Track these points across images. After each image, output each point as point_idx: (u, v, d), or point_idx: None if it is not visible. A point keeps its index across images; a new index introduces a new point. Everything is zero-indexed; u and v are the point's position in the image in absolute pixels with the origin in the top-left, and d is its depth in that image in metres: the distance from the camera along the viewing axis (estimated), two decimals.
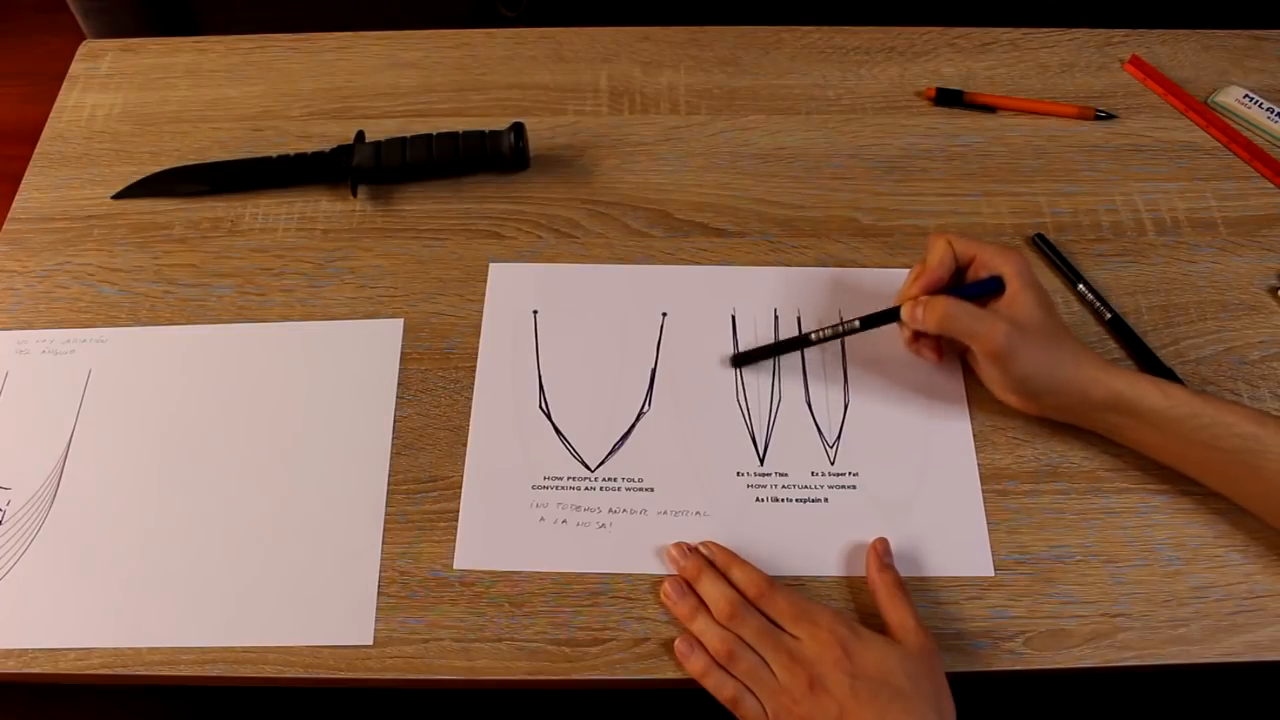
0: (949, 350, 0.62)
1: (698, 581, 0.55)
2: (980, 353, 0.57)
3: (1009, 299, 0.57)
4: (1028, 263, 0.58)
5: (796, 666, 0.51)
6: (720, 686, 0.52)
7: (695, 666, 0.53)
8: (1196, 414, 0.54)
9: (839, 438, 0.61)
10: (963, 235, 0.60)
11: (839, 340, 0.64)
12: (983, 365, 0.58)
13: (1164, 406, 0.54)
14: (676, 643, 0.54)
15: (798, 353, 0.64)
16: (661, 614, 0.55)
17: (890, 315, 0.60)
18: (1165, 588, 0.56)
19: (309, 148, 0.73)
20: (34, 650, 0.54)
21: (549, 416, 0.62)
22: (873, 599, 0.55)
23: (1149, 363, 0.63)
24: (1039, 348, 0.56)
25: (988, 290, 0.58)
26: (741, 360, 0.63)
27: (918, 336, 0.61)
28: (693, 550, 0.56)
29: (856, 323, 0.61)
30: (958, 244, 0.59)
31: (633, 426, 0.61)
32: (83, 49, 0.81)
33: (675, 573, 0.56)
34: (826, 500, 0.59)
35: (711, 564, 0.56)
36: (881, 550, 0.56)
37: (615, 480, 0.59)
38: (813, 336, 0.62)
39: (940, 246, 0.59)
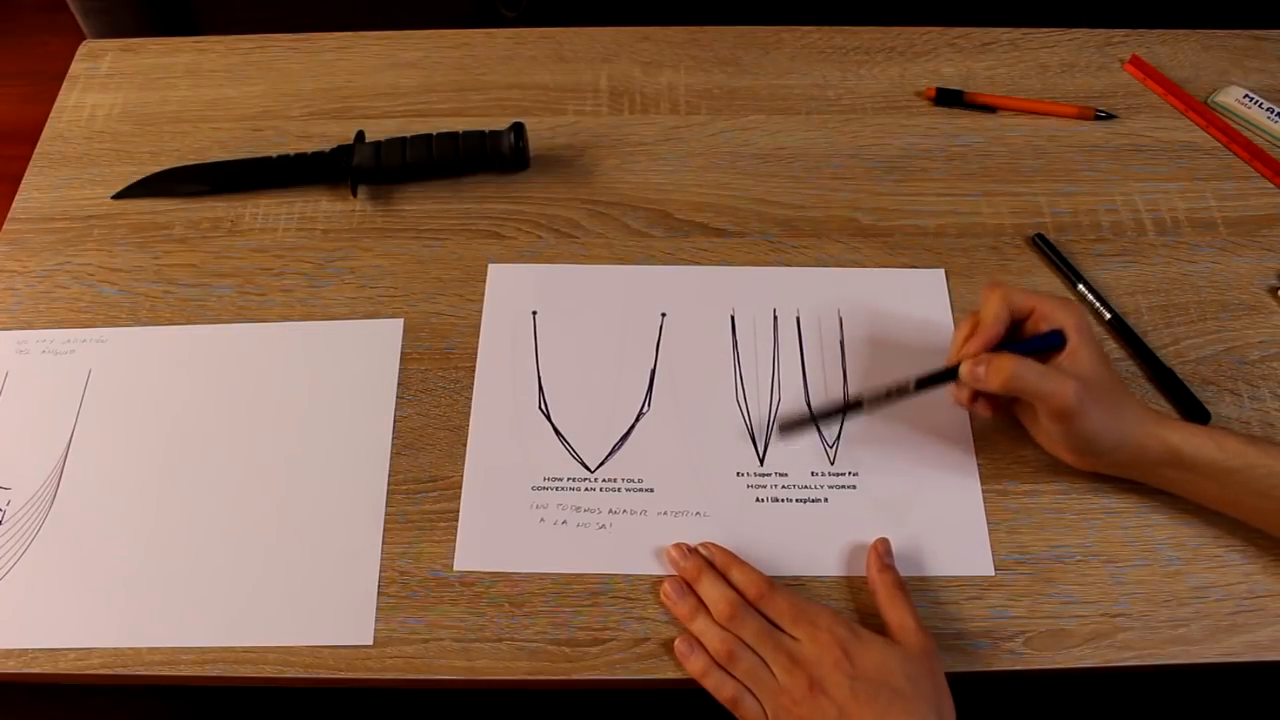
0: (1002, 406, 0.59)
1: (697, 582, 0.55)
2: (1047, 412, 0.54)
3: (1071, 354, 0.54)
4: (1087, 315, 0.56)
5: (796, 668, 0.51)
6: (720, 687, 0.52)
7: (695, 666, 0.53)
8: (1252, 465, 0.53)
9: (839, 438, 0.61)
10: (1018, 287, 0.57)
11: (839, 341, 0.64)
12: (1044, 424, 0.55)
13: (1219, 459, 0.53)
14: (677, 643, 0.54)
15: (797, 353, 0.64)
16: (661, 614, 0.55)
17: (948, 375, 0.57)
18: (1165, 588, 0.56)
19: (309, 148, 0.73)
20: (34, 650, 0.54)
21: (549, 417, 0.62)
22: (873, 599, 0.55)
23: (1149, 363, 0.63)
24: (1105, 405, 0.54)
25: (1049, 346, 0.55)
26: (788, 428, 0.61)
27: (975, 395, 0.57)
28: (692, 551, 0.56)
29: (911, 384, 0.57)
30: (1014, 297, 0.56)
31: (632, 427, 0.61)
32: (83, 49, 0.81)
33: (675, 573, 0.56)
34: (826, 500, 0.59)
35: (711, 565, 0.56)
36: (882, 551, 0.56)
37: (615, 481, 0.59)
38: (864, 403, 0.59)
39: (995, 300, 0.56)
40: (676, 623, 0.55)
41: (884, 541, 0.56)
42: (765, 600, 0.54)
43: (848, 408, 0.61)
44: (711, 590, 0.54)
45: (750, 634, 0.53)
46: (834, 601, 0.56)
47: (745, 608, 0.53)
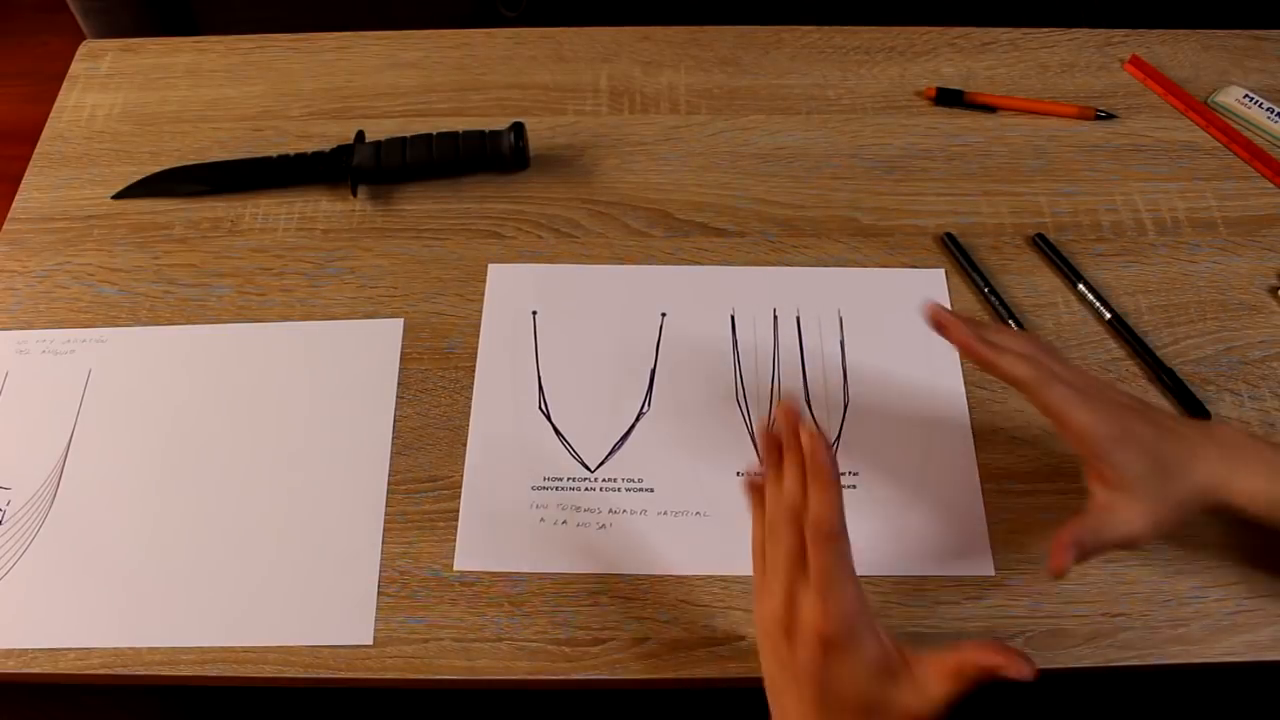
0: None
1: (787, 459, 0.50)
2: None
3: (1109, 476, 0.50)
4: (1108, 446, 0.50)
5: (784, 612, 0.47)
6: (753, 528, 0.50)
7: (754, 498, 0.51)
8: None
9: (839, 437, 0.61)
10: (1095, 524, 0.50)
11: (839, 341, 0.64)
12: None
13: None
14: (751, 476, 0.52)
15: (798, 353, 0.64)
16: (661, 613, 0.55)
17: None
18: (1165, 588, 0.56)
19: (309, 148, 0.73)
20: (34, 650, 0.55)
21: (549, 417, 0.62)
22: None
23: (1149, 362, 0.63)
24: (1161, 508, 0.49)
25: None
26: None
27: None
28: (802, 434, 0.50)
29: None
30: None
31: (632, 427, 0.61)
32: (83, 49, 0.81)
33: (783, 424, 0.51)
34: None
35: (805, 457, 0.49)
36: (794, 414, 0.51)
37: (615, 481, 0.59)
38: None
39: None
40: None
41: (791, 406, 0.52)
42: (815, 543, 0.47)
43: None
44: (790, 478, 0.49)
45: (781, 550, 0.48)
46: None
47: (793, 523, 0.48)
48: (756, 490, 0.51)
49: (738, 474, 0.60)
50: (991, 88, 0.77)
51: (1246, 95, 0.75)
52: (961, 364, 0.63)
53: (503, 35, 0.81)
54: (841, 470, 0.60)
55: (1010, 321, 0.65)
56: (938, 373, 0.63)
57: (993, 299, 0.66)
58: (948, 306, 0.65)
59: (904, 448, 0.60)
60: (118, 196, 0.72)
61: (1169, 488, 0.50)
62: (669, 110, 0.76)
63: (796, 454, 0.50)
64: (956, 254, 0.68)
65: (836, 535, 0.47)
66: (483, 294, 0.67)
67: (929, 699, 0.45)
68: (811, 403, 0.62)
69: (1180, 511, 0.50)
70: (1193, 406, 0.61)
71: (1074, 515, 0.50)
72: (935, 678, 0.45)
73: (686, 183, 0.72)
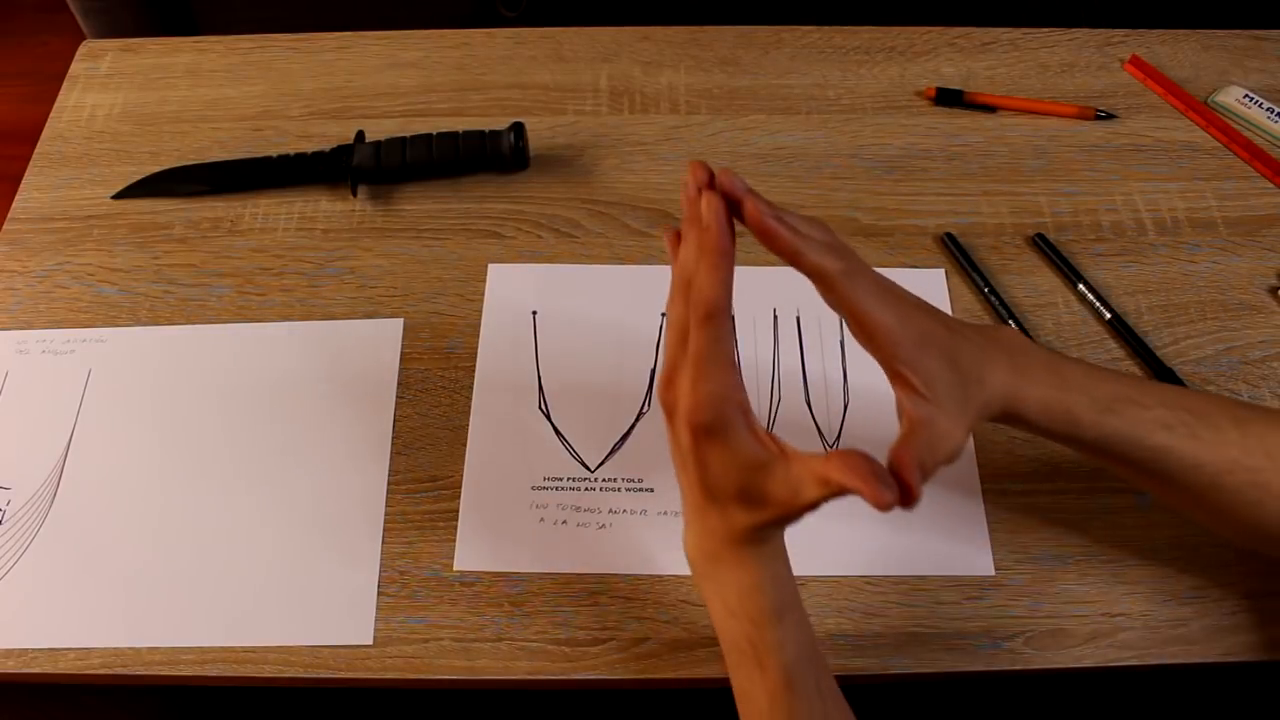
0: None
1: (684, 229, 0.46)
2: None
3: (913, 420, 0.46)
4: (910, 350, 0.47)
5: (666, 390, 0.44)
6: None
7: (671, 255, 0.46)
8: (1105, 436, 0.47)
9: (839, 437, 0.61)
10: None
11: (839, 341, 0.64)
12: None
13: (1069, 433, 0.48)
14: (670, 229, 0.48)
15: (797, 353, 0.64)
16: (661, 613, 0.55)
17: None
18: (1165, 588, 0.56)
19: (309, 148, 0.73)
20: (34, 650, 0.54)
21: (549, 417, 0.62)
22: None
23: (1149, 362, 0.63)
24: (969, 414, 0.46)
25: None
26: None
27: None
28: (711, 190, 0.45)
29: None
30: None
31: (632, 427, 0.61)
32: (83, 49, 0.81)
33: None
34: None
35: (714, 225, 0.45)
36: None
37: (615, 480, 0.59)
38: None
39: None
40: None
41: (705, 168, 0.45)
42: (694, 322, 0.43)
43: None
44: (687, 245, 0.45)
45: (670, 323, 0.44)
46: (834, 602, 0.56)
47: (682, 295, 0.45)
48: (674, 246, 0.46)
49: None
50: (991, 88, 0.77)
51: (1246, 95, 0.75)
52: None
53: (503, 35, 0.81)
54: None
55: (1010, 322, 0.65)
56: None
57: (993, 299, 0.66)
58: (947, 306, 0.66)
59: None
60: (118, 196, 0.72)
61: (970, 394, 0.46)
62: (669, 110, 0.76)
63: (697, 221, 0.44)
64: (956, 254, 0.68)
65: (714, 315, 0.43)
66: (483, 294, 0.67)
67: (800, 498, 0.44)
68: (811, 403, 0.62)
69: (980, 420, 0.47)
70: None
71: (897, 438, 0.46)
72: (807, 479, 0.43)
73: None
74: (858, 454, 0.43)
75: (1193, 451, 0.47)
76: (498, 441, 0.61)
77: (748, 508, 0.44)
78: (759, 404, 0.62)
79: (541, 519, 0.58)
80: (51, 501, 0.59)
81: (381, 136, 0.72)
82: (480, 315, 0.66)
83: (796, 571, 0.56)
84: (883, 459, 0.60)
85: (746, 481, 0.44)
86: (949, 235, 0.68)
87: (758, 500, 0.44)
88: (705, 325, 0.43)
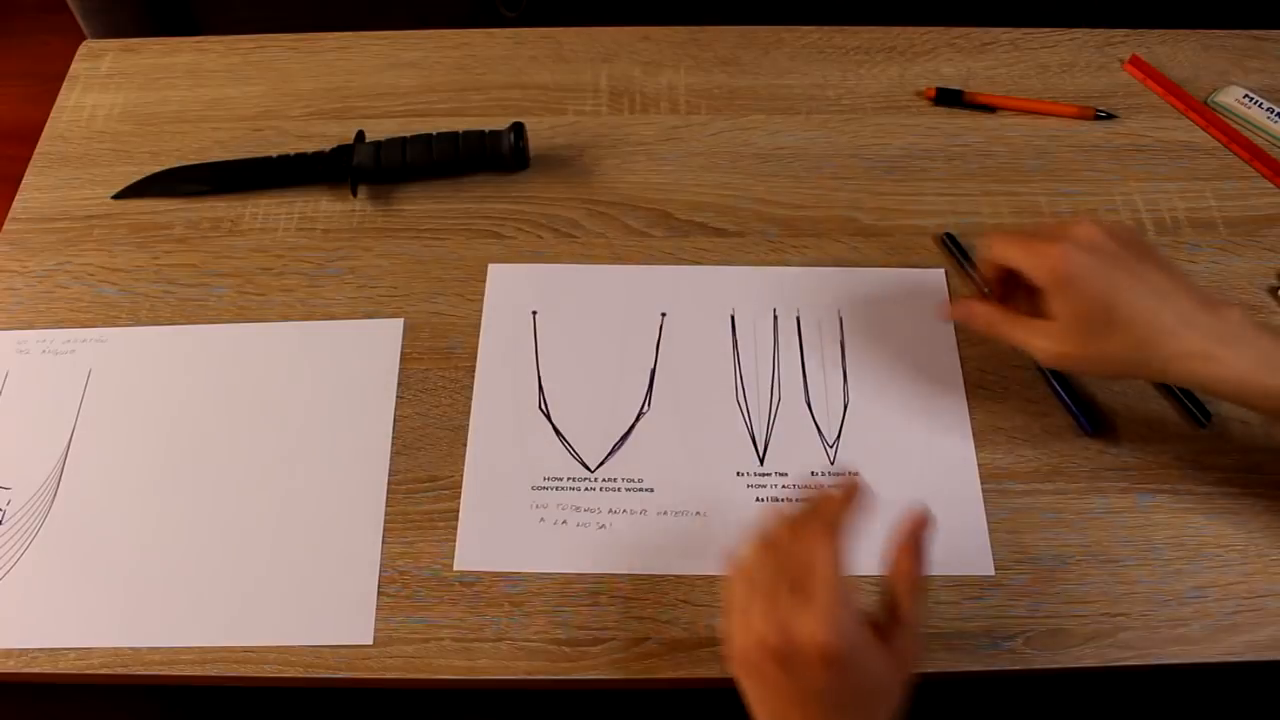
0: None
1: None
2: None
3: (1053, 305, 0.52)
4: (1067, 255, 0.51)
5: (770, 612, 0.44)
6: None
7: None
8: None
9: (839, 437, 0.61)
10: (1011, 237, 0.55)
11: (839, 341, 0.64)
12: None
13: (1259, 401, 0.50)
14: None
15: (797, 353, 0.64)
16: (661, 613, 0.55)
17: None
18: (1165, 588, 0.56)
19: (309, 148, 0.73)
20: (34, 650, 0.55)
21: (549, 417, 0.62)
22: (890, 585, 0.48)
23: None
24: (1097, 347, 0.51)
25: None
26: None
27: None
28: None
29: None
30: (1000, 252, 0.55)
31: (632, 427, 0.61)
32: (83, 49, 0.81)
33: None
34: None
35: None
36: (919, 529, 0.48)
37: (615, 480, 0.59)
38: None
39: (993, 252, 0.56)
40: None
41: (920, 517, 0.49)
42: (807, 535, 0.45)
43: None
44: (789, 519, 0.47)
45: (768, 571, 0.45)
46: None
47: (794, 528, 0.46)
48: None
49: (737, 474, 0.59)
50: (991, 88, 0.77)
51: (1246, 95, 0.75)
52: (961, 364, 0.63)
53: (503, 35, 0.81)
54: (841, 470, 0.60)
55: None
56: (938, 373, 0.63)
57: (994, 299, 0.65)
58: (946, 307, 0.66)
59: (904, 448, 0.60)
60: (118, 196, 0.72)
61: (1104, 320, 0.51)
62: (669, 110, 0.76)
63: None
64: (956, 254, 0.68)
65: (836, 531, 0.45)
66: (483, 294, 0.67)
67: (907, 666, 0.46)
68: (811, 403, 0.62)
69: (1113, 347, 0.51)
70: (1193, 407, 0.61)
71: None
72: (906, 640, 0.46)
73: (686, 183, 0.72)
74: (897, 552, 0.48)
75: None
76: (498, 441, 0.61)
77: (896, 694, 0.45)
78: (759, 404, 0.62)
79: (542, 519, 0.58)
80: (51, 501, 0.59)
81: (381, 136, 0.72)
82: (480, 315, 0.66)
83: None
84: (882, 458, 0.61)
85: (878, 686, 0.44)
86: (949, 235, 0.68)
87: (884, 693, 0.45)
88: (825, 542, 0.45)
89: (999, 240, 0.56)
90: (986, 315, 0.57)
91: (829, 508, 0.47)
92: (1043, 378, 0.62)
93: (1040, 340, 0.54)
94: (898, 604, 0.47)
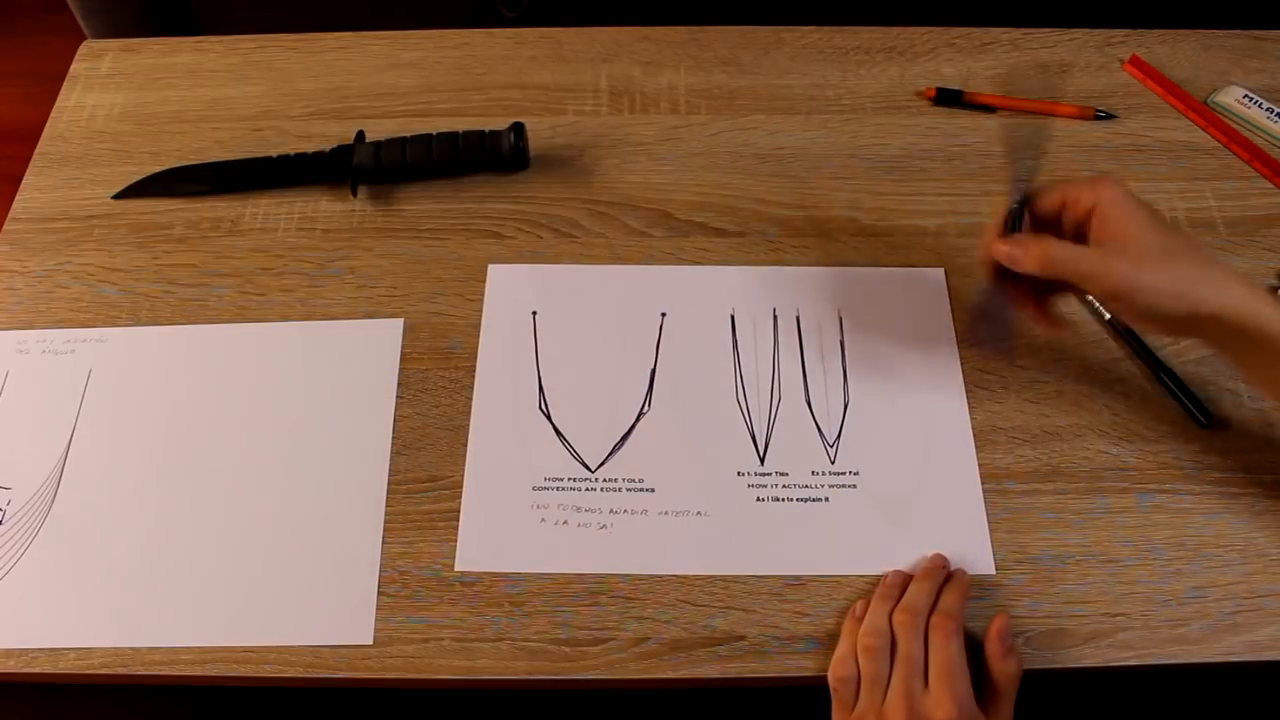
0: (1056, 304, 0.56)
1: (919, 579, 0.55)
2: (1098, 295, 0.53)
3: (1114, 229, 0.51)
4: (1123, 186, 0.52)
5: (904, 708, 0.50)
6: (842, 660, 0.53)
7: (847, 624, 0.54)
8: None
9: (839, 437, 0.61)
10: (1056, 184, 0.55)
11: (839, 341, 0.64)
12: (1105, 303, 0.54)
13: None
14: (858, 603, 0.55)
15: (797, 353, 0.64)
16: (661, 613, 0.55)
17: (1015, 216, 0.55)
18: (1165, 588, 0.56)
19: (309, 148, 0.73)
20: (34, 650, 0.55)
21: (549, 417, 0.62)
22: (987, 689, 0.52)
23: (1149, 362, 0.63)
24: (1162, 273, 0.50)
25: None
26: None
27: (1017, 285, 0.56)
28: (944, 568, 0.56)
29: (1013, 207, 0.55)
30: (1045, 197, 0.54)
31: (633, 427, 0.61)
32: (83, 49, 0.81)
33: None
34: (827, 500, 0.59)
35: (936, 578, 0.55)
36: (1005, 633, 0.53)
37: (616, 481, 0.59)
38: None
39: (1044, 198, 0.54)
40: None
41: (1005, 620, 0.54)
42: (938, 630, 0.52)
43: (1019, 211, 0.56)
44: (917, 589, 0.54)
45: (902, 647, 0.51)
46: (834, 602, 0.56)
47: (919, 626, 0.52)
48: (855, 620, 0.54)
49: (738, 474, 0.60)
50: (991, 88, 0.77)
51: (1246, 95, 0.75)
52: (961, 364, 0.63)
53: (503, 35, 0.81)
54: (842, 470, 0.60)
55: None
56: (938, 373, 0.63)
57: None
58: (947, 306, 0.66)
59: (904, 448, 0.60)
60: (118, 196, 0.72)
61: (1168, 248, 0.50)
62: (669, 110, 0.76)
63: (931, 577, 0.55)
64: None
65: (954, 631, 0.52)
66: (483, 294, 0.67)
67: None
68: (811, 403, 0.62)
69: (1176, 279, 0.50)
70: (1193, 406, 0.61)
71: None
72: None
73: (686, 183, 0.72)
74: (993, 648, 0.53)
75: None
76: (498, 442, 0.61)
77: None
78: (759, 404, 0.62)
79: (543, 519, 0.58)
80: (51, 501, 0.59)
81: (381, 136, 0.72)
82: (480, 315, 0.66)
83: (797, 571, 0.57)
84: (882, 458, 0.61)
85: None
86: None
87: None
88: (954, 637, 0.51)
89: (1042, 189, 0.55)
90: (1042, 248, 0.52)
91: (955, 605, 0.53)
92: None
93: (1115, 260, 0.50)
94: (999, 695, 0.52)
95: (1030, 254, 0.52)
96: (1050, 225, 0.55)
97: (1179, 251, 0.51)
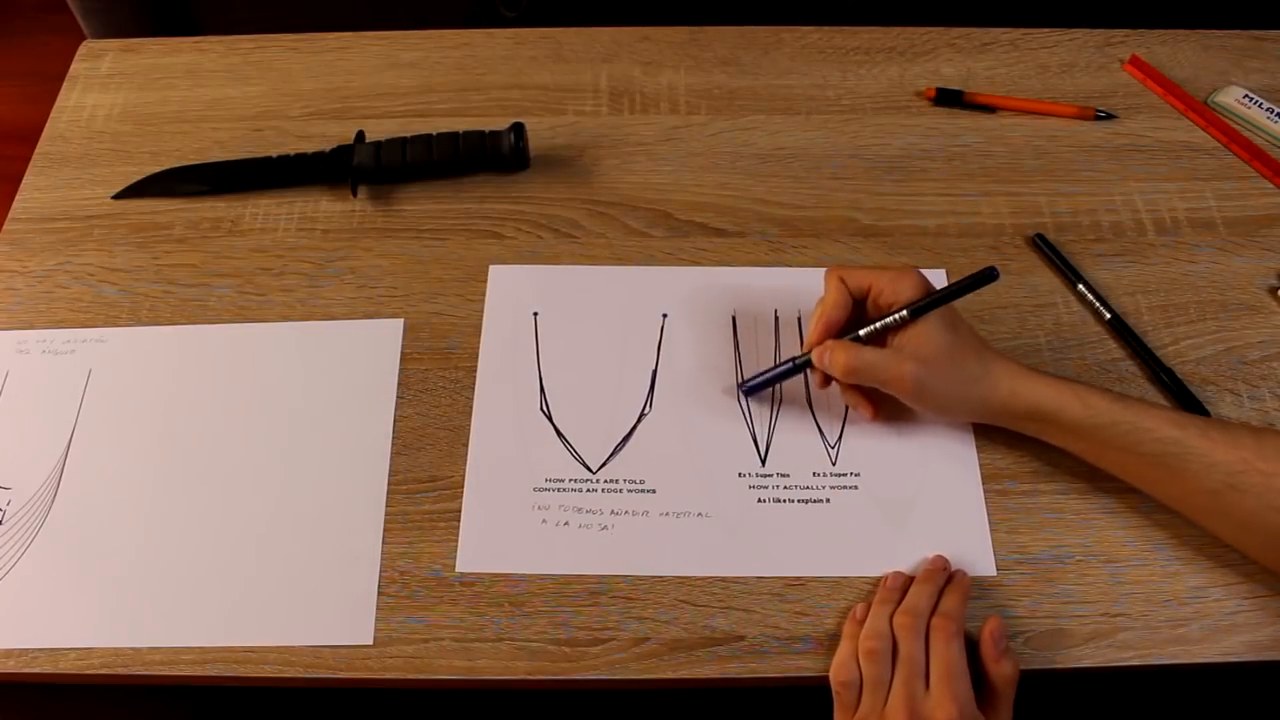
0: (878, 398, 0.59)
1: (919, 582, 0.55)
2: (896, 394, 0.57)
3: (911, 330, 0.55)
4: (926, 283, 0.56)
5: (907, 709, 0.50)
6: (843, 665, 0.53)
7: (847, 627, 0.54)
8: (1116, 422, 0.53)
9: (840, 438, 0.61)
10: (857, 267, 0.59)
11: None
12: (900, 399, 0.57)
13: (1083, 417, 0.54)
14: (857, 607, 0.55)
15: (798, 352, 0.64)
16: (661, 613, 0.55)
17: (802, 364, 0.59)
18: (1165, 588, 0.56)
19: (309, 148, 0.73)
20: (34, 650, 0.54)
21: (550, 418, 0.62)
22: (985, 691, 0.52)
23: (1149, 362, 0.63)
24: (949, 374, 0.55)
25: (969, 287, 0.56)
26: (751, 389, 0.62)
27: (828, 380, 0.59)
28: (945, 570, 0.56)
29: (791, 363, 0.60)
30: (850, 278, 0.58)
31: (634, 428, 0.61)
32: (83, 49, 0.81)
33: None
34: (828, 501, 0.59)
35: (937, 581, 0.55)
36: (999, 635, 0.53)
37: (617, 482, 0.59)
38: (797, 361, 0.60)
39: (833, 285, 0.58)
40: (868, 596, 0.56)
41: (998, 622, 0.54)
42: (939, 632, 0.52)
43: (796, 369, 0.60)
44: (918, 591, 0.54)
45: (903, 650, 0.52)
46: (835, 603, 0.56)
47: (920, 629, 0.52)
48: (856, 623, 0.54)
49: (739, 475, 0.59)
50: (991, 88, 0.77)
51: (1246, 95, 0.75)
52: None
53: (503, 35, 0.81)
54: (841, 470, 0.60)
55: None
56: None
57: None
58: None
59: (904, 448, 0.60)
60: (118, 196, 0.72)
61: (961, 349, 0.55)
62: (669, 110, 0.76)
63: (932, 580, 0.55)
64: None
65: (956, 633, 0.52)
66: (483, 294, 0.67)
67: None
68: (812, 403, 0.62)
69: (965, 381, 0.55)
70: (1193, 406, 0.61)
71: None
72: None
73: (686, 183, 0.72)
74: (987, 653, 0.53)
75: (1205, 449, 0.51)
76: (499, 443, 0.61)
77: None
78: (760, 405, 0.62)
79: (544, 520, 0.58)
80: (51, 501, 0.59)
81: (381, 136, 0.72)
82: (481, 315, 0.66)
83: (798, 571, 0.57)
84: (882, 458, 0.62)
85: None
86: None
87: None
88: (955, 639, 0.52)
89: (854, 272, 0.58)
90: (845, 358, 0.56)
91: (956, 608, 0.53)
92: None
93: (908, 365, 0.55)
94: (997, 697, 0.52)
95: (835, 362, 0.57)
96: (859, 303, 0.58)
97: (962, 352, 0.56)
